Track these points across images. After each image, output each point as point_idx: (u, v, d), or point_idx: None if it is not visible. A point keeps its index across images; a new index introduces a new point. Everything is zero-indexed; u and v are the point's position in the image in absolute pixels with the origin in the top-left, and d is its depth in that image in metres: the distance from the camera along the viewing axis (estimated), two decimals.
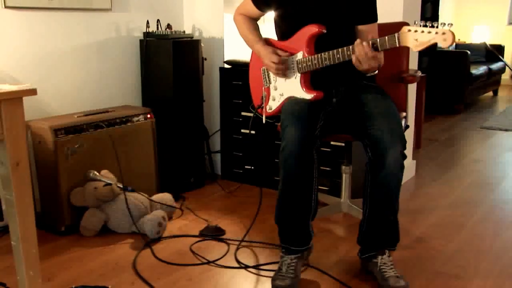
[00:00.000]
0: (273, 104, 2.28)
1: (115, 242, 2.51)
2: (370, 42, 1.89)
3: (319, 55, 2.05)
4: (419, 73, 2.77)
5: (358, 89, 2.17)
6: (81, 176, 2.59)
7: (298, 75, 2.14)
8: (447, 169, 3.77)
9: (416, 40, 1.75)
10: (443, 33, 1.69)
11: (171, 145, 3.17)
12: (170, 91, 3.10)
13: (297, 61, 2.14)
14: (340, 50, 1.98)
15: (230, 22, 3.30)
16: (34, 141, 2.57)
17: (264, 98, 2.32)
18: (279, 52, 2.16)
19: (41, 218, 2.61)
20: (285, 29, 2.23)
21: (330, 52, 2.00)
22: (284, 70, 2.17)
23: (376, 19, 2.19)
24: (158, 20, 3.23)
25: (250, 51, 2.41)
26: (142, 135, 2.92)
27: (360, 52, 1.90)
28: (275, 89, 2.26)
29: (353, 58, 1.95)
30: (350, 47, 1.96)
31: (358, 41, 1.92)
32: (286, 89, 2.21)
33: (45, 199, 2.63)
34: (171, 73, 3.07)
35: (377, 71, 2.02)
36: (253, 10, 2.33)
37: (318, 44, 2.11)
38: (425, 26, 1.73)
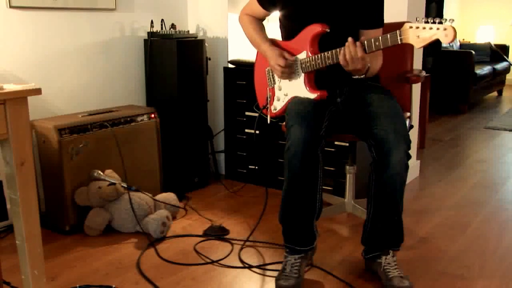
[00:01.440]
0: (278, 105, 2.27)
1: (119, 242, 2.51)
2: (360, 43, 1.89)
3: (322, 54, 2.04)
4: (424, 73, 2.76)
5: (362, 89, 2.17)
6: (85, 176, 2.60)
7: (302, 74, 2.14)
8: (452, 169, 3.76)
9: (418, 36, 1.74)
10: (445, 29, 1.68)
11: (175, 144, 3.17)
12: (174, 91, 3.11)
13: (301, 60, 2.13)
14: (342, 49, 1.97)
15: (234, 22, 3.31)
16: (38, 141, 2.58)
17: (269, 99, 2.32)
18: (286, 55, 2.15)
19: (46, 218, 2.62)
20: (290, 29, 2.22)
21: (334, 51, 1.99)
22: (289, 74, 2.17)
23: (382, 25, 2.17)
24: (162, 20, 3.23)
25: (255, 51, 2.40)
26: (146, 134, 2.93)
27: (351, 53, 1.89)
28: (280, 89, 2.25)
29: (340, 57, 1.94)
30: None
31: (349, 40, 1.91)
32: (290, 89, 2.20)
33: (50, 199, 2.64)
34: (175, 73, 3.07)
35: (363, 76, 2.01)
36: (259, 10, 2.32)
37: (322, 44, 2.10)
38: (427, 22, 1.72)
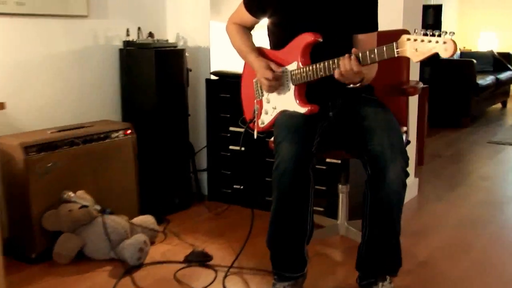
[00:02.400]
0: (265, 118, 2.28)
1: (92, 270, 2.49)
2: (355, 55, 1.92)
3: (314, 65, 2.05)
4: (421, 84, 2.80)
5: (356, 103, 2.18)
6: (54, 198, 2.58)
7: (292, 87, 2.15)
8: (453, 187, 3.79)
9: (416, 50, 1.76)
10: (444, 42, 1.71)
11: (154, 163, 3.17)
12: (152, 104, 3.11)
13: (291, 72, 2.14)
14: (336, 60, 1.98)
15: (216, 31, 3.33)
16: (2, 160, 2.56)
17: (256, 112, 2.32)
18: (273, 66, 2.16)
19: (10, 244, 2.59)
20: (279, 37, 2.24)
21: (326, 62, 2.01)
22: (277, 87, 2.19)
23: (376, 28, 2.21)
24: (139, 28, 3.25)
25: (239, 61, 2.42)
26: (122, 152, 2.92)
27: (346, 67, 1.92)
28: (268, 102, 2.26)
29: (336, 73, 1.97)
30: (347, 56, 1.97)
31: (345, 56, 1.94)
32: (279, 102, 2.21)
33: (14, 223, 2.62)
34: (154, 85, 3.08)
35: (359, 84, 2.03)
36: (247, 17, 2.34)
37: (314, 54, 2.11)
38: (426, 34, 1.74)
